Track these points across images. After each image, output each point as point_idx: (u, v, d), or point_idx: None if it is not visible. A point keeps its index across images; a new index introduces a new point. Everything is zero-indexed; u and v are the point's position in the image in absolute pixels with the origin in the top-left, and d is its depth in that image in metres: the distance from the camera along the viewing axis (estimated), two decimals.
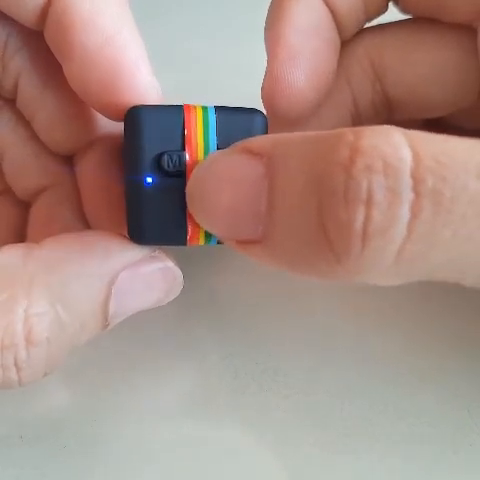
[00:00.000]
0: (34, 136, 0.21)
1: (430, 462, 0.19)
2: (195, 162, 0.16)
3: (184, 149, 0.16)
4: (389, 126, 0.13)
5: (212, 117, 0.17)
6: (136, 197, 0.17)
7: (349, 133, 0.12)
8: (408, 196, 0.12)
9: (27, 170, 0.21)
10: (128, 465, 0.19)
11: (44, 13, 0.17)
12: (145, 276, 0.17)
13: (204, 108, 0.17)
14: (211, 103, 0.17)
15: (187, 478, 0.19)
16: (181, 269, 0.18)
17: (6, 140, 0.21)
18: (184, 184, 0.16)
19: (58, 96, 0.20)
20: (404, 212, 0.12)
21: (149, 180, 0.16)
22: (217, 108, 0.17)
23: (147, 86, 0.17)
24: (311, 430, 0.20)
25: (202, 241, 0.17)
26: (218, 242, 0.17)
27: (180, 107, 0.17)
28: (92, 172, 0.20)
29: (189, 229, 0.17)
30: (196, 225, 0.17)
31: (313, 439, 0.20)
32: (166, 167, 0.16)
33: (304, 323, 0.22)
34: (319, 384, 0.21)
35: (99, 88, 0.17)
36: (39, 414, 0.20)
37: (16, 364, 0.15)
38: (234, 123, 0.17)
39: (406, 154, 0.12)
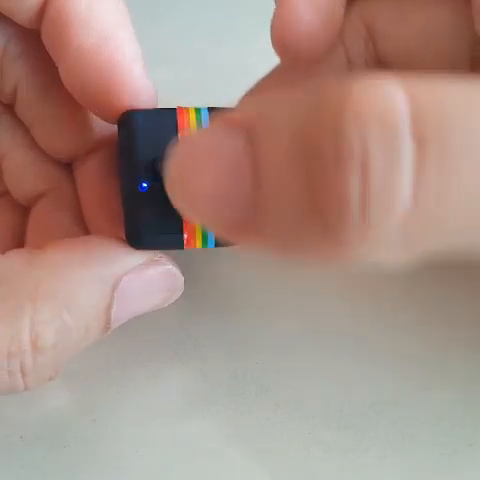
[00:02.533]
0: (33, 142, 0.21)
1: (430, 462, 0.19)
2: None
3: None
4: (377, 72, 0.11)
5: (205, 118, 0.17)
6: (132, 202, 0.17)
7: (335, 84, 0.11)
8: (409, 154, 0.10)
9: (26, 175, 0.21)
10: (128, 465, 0.19)
11: (41, 12, 0.17)
12: (147, 280, 0.17)
13: (197, 110, 0.17)
14: (211, 103, 0.17)
15: (187, 477, 0.19)
16: (181, 271, 0.18)
17: (5, 146, 0.21)
18: None
19: (57, 103, 0.19)
20: (407, 171, 0.10)
21: (144, 185, 0.16)
22: (210, 109, 0.17)
23: (140, 87, 0.17)
24: (311, 430, 0.20)
25: (199, 244, 0.17)
26: (216, 245, 0.17)
27: (173, 110, 0.17)
28: (91, 178, 0.20)
29: (186, 232, 0.17)
30: (193, 228, 0.17)
31: (313, 439, 0.20)
32: (160, 172, 0.16)
33: (304, 323, 0.22)
34: (319, 384, 0.21)
35: (93, 89, 0.17)
36: (39, 414, 0.20)
37: (22, 370, 0.15)
38: None
39: (401, 99, 0.10)
